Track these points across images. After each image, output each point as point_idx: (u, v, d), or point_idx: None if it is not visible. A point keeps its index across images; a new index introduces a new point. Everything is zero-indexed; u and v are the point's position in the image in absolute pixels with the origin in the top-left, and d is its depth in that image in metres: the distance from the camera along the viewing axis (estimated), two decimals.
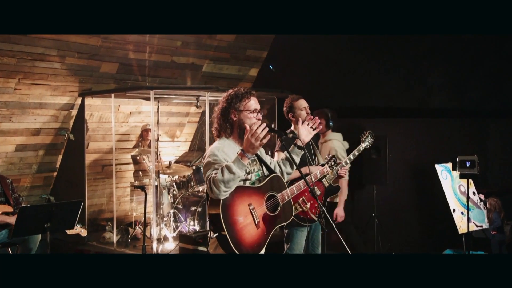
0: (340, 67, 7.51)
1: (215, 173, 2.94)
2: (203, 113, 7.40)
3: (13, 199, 5.16)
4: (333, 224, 3.10)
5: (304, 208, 4.27)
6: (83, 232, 5.16)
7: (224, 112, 3.24)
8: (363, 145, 4.60)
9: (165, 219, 6.58)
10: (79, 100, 6.72)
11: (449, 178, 6.30)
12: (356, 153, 4.58)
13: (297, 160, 3.50)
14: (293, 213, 3.40)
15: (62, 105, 6.62)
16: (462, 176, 5.69)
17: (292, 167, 3.51)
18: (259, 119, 3.24)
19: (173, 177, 6.99)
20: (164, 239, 6.47)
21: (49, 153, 6.88)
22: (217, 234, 3.06)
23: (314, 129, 3.57)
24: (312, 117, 3.63)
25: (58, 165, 7.10)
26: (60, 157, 7.05)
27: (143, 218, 5.36)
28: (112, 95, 6.46)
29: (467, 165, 5.62)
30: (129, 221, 7.17)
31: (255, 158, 3.36)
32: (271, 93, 7.24)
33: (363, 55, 7.25)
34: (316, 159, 4.42)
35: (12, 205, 5.09)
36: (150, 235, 6.22)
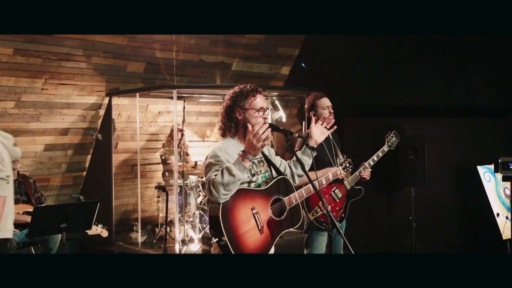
0: (376, 65, 7.27)
1: (215, 175, 2.79)
2: None
3: (35, 199, 5.19)
4: (340, 229, 2.87)
5: (325, 211, 4.07)
6: (104, 233, 5.11)
7: (229, 111, 3.08)
8: (386, 147, 4.42)
9: (190, 219, 6.48)
10: (106, 100, 6.72)
11: (492, 181, 6.07)
12: (380, 154, 4.39)
13: (309, 161, 3.30)
14: (301, 218, 3.18)
15: (90, 104, 6.65)
16: (504, 179, 5.40)
17: (303, 169, 3.29)
18: (265, 118, 3.05)
19: (202, 177, 6.89)
20: (190, 240, 6.37)
21: (78, 152, 6.93)
22: (217, 239, 2.90)
23: (328, 129, 3.35)
24: (326, 116, 3.39)
25: (87, 165, 7.13)
26: (89, 156, 7.09)
27: (165, 219, 5.27)
28: (137, 94, 6.43)
29: (510, 167, 5.32)
30: (158, 222, 7.12)
31: (262, 159, 3.17)
32: (300, 92, 7.02)
33: (401, 52, 6.96)
34: (338, 160, 4.18)
35: (34, 204, 5.11)
36: (175, 236, 6.14)
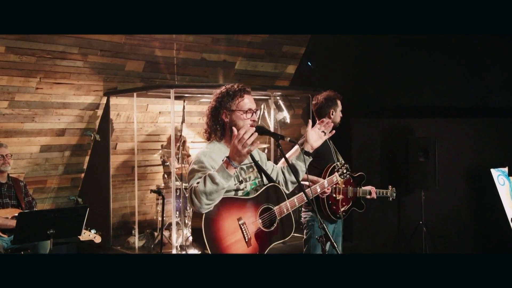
0: (386, 63, 7.03)
1: (198, 183, 2.57)
2: None
3: (26, 203, 5.00)
4: (325, 227, 2.64)
5: (337, 196, 3.96)
6: (97, 239, 4.91)
7: (214, 112, 2.87)
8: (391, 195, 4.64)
9: (190, 224, 6.27)
10: (104, 100, 6.53)
11: (506, 184, 5.82)
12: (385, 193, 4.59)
13: (304, 168, 3.06)
14: (293, 229, 2.93)
15: (87, 104, 6.45)
16: None
17: (296, 176, 3.05)
18: (253, 121, 2.82)
19: None
20: (189, 246, 6.16)
21: (76, 154, 6.74)
22: (200, 252, 2.68)
23: (325, 134, 3.11)
24: (325, 120, 3.16)
25: (85, 166, 6.95)
26: (87, 158, 6.90)
27: (161, 224, 5.08)
28: (134, 94, 6.24)
29: None
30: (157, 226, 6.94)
31: (252, 164, 2.94)
32: (304, 91, 6.78)
33: (412, 51, 6.73)
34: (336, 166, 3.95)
35: (24, 209, 4.92)
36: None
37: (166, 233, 6.32)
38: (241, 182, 2.81)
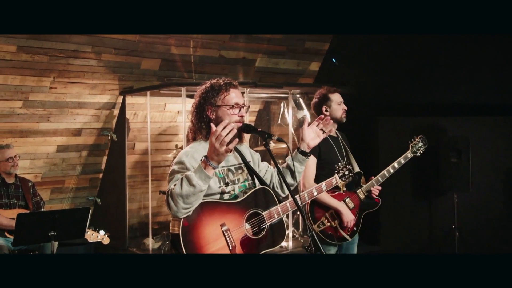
0: (416, 59, 6.64)
1: (175, 185, 2.36)
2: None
3: (33, 203, 4.92)
4: (320, 246, 2.35)
5: (333, 224, 3.58)
6: (105, 240, 4.80)
7: (199, 109, 2.68)
8: (410, 154, 3.93)
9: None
10: (120, 99, 6.41)
11: None
12: (403, 161, 3.89)
13: (301, 169, 2.81)
14: (285, 236, 2.68)
15: (103, 104, 6.35)
16: None
17: (294, 178, 2.80)
18: (241, 116, 2.60)
19: None
20: None
21: (93, 154, 6.66)
22: None
23: (324, 132, 2.85)
24: (323, 116, 2.90)
25: (103, 166, 6.87)
26: (105, 158, 6.82)
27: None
28: (148, 93, 6.10)
29: None
30: None
31: (242, 165, 2.71)
32: (318, 89, 6.48)
33: (445, 46, 6.31)
34: (337, 166, 3.62)
35: (31, 209, 4.84)
36: None
37: None
38: (227, 185, 2.59)
